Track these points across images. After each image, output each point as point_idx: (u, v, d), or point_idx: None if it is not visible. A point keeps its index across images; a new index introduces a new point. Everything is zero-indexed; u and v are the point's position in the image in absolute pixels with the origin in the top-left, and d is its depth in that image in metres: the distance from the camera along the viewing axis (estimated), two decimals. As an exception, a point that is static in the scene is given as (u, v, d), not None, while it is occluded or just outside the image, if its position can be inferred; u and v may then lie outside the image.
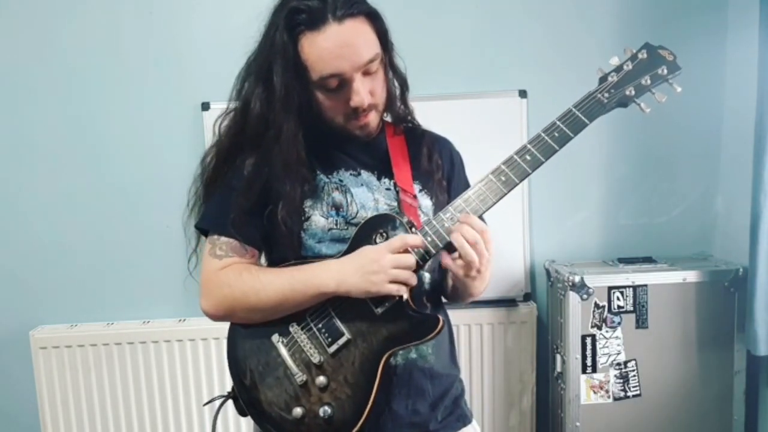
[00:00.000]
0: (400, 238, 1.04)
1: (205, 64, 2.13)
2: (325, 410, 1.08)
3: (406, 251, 1.04)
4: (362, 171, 1.17)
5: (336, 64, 1.04)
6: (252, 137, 1.12)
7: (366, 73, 1.07)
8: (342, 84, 1.07)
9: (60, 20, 2.11)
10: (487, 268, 1.07)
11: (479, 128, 2.11)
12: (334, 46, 1.03)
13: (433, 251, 1.06)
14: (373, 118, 1.13)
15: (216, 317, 1.13)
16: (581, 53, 2.16)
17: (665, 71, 1.06)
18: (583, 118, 1.05)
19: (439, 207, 1.18)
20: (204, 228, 1.17)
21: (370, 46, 1.06)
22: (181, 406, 2.21)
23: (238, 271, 1.11)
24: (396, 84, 1.17)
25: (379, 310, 1.07)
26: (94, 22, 2.12)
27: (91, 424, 2.21)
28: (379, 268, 1.02)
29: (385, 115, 1.22)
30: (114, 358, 2.18)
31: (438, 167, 1.22)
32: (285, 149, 1.09)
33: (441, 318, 1.07)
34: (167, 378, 2.19)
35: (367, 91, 1.08)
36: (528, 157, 1.05)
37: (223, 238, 1.13)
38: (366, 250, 1.06)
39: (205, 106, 2.13)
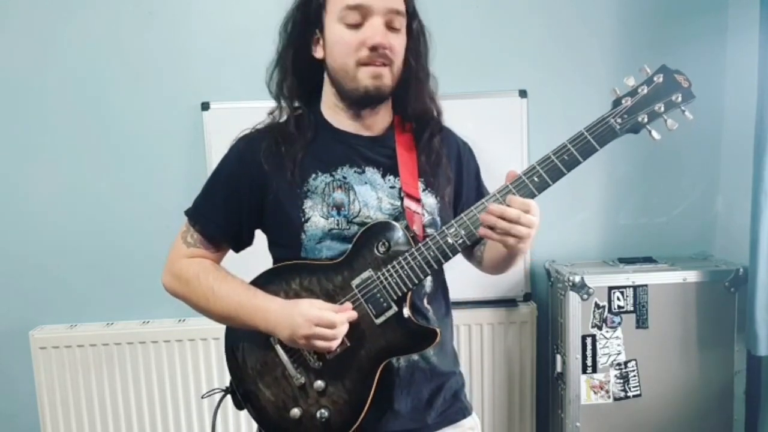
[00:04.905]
0: (328, 320, 1.04)
1: (205, 64, 2.13)
2: (321, 413, 1.10)
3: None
4: (367, 168, 1.16)
5: None
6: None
7: (389, 25, 1.09)
8: (362, 21, 1.08)
9: (60, 21, 2.11)
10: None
11: (479, 128, 2.09)
12: None
13: (435, 265, 1.06)
14: (386, 73, 1.11)
15: (170, 294, 1.20)
16: (582, 53, 2.17)
17: (679, 98, 1.04)
18: (594, 143, 1.04)
19: (443, 206, 1.18)
20: (186, 213, 1.22)
21: None
22: (181, 406, 2.21)
23: (198, 270, 1.16)
24: (419, 68, 1.19)
25: (379, 321, 1.08)
26: (93, 23, 2.12)
27: (91, 424, 2.21)
28: (304, 336, 1.04)
29: (400, 111, 1.22)
30: (114, 358, 2.17)
31: (446, 165, 1.21)
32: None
33: (438, 330, 1.09)
34: (167, 378, 2.19)
35: (386, 37, 1.08)
36: (536, 179, 1.04)
37: (195, 228, 1.19)
38: (299, 311, 1.06)
39: (205, 106, 2.12)
